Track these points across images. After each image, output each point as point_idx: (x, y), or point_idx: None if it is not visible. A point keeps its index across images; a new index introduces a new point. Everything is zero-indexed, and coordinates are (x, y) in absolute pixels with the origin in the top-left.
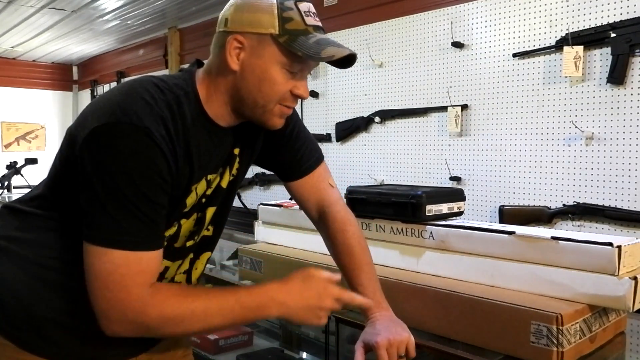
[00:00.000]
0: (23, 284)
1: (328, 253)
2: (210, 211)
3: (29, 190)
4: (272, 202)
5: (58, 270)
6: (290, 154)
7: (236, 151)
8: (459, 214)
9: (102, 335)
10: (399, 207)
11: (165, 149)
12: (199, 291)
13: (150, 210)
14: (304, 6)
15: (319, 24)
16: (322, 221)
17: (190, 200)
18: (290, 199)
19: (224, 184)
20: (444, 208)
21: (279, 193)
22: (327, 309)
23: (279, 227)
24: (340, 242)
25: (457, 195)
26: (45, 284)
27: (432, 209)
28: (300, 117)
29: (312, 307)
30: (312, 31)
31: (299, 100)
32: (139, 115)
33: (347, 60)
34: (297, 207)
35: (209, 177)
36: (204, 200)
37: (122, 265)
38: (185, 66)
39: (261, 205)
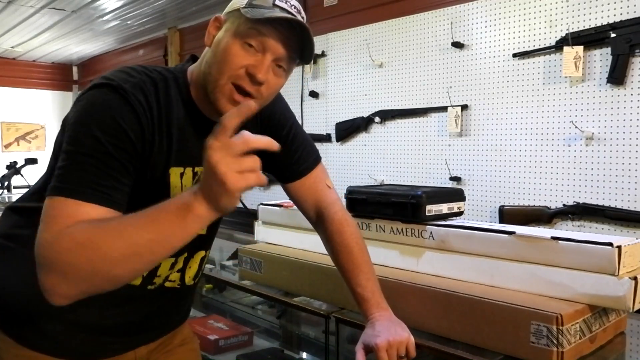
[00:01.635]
0: (21, 280)
1: (326, 253)
2: None
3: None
4: (272, 202)
5: None
6: (288, 155)
7: None
8: (459, 214)
9: (100, 329)
10: (399, 207)
11: (139, 110)
12: (116, 217)
13: (110, 165)
14: None
15: (291, 11)
16: (320, 222)
17: (176, 191)
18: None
19: None
20: (444, 208)
21: (279, 193)
22: (238, 189)
23: (279, 227)
24: (339, 242)
25: (457, 195)
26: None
27: (432, 209)
28: (300, 117)
29: (222, 197)
30: (275, 9)
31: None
32: (119, 81)
33: (297, 34)
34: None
35: (197, 169)
36: None
37: (57, 207)
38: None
39: (261, 205)
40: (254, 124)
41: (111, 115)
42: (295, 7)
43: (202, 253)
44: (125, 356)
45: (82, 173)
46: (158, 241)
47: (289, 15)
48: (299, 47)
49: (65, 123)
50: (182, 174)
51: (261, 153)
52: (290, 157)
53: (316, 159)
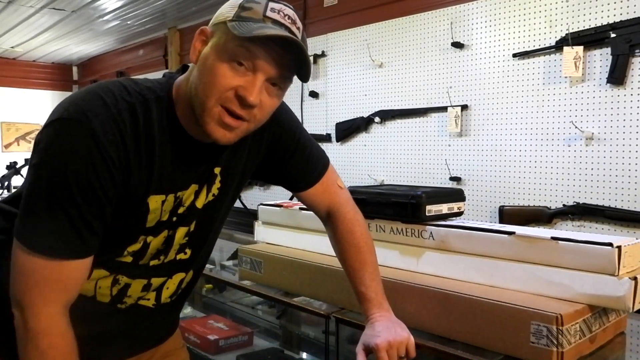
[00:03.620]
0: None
1: (327, 253)
2: (181, 231)
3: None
4: (272, 202)
5: None
6: (299, 166)
7: (217, 170)
8: (459, 214)
9: (97, 335)
10: (399, 207)
11: (112, 154)
12: None
13: (79, 216)
14: (277, 6)
15: (285, 22)
16: (330, 221)
17: (153, 216)
18: (291, 198)
19: (199, 204)
20: (444, 208)
21: (279, 193)
22: None
23: (279, 227)
24: (348, 241)
25: (457, 195)
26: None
27: (432, 209)
28: (300, 117)
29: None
30: (266, 22)
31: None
32: (89, 115)
33: (293, 52)
34: (297, 207)
35: (179, 194)
36: (174, 219)
37: (42, 268)
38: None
39: (261, 206)
40: (261, 139)
41: (77, 162)
42: (289, 18)
43: (181, 275)
44: None
45: (53, 228)
46: None
47: (282, 33)
48: (295, 65)
49: (35, 145)
50: (163, 201)
51: (269, 166)
52: (302, 168)
53: (326, 163)
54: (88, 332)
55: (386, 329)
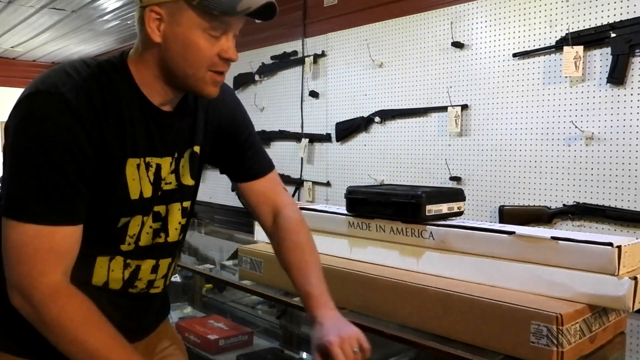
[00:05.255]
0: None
1: (327, 253)
2: (175, 207)
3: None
4: None
5: None
6: (245, 157)
7: (197, 149)
8: (459, 214)
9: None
10: (399, 207)
11: (85, 116)
12: (103, 333)
13: (63, 180)
14: None
15: None
16: (276, 221)
17: (134, 183)
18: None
19: (186, 181)
20: (444, 208)
21: None
22: None
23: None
24: (294, 240)
25: (457, 195)
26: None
27: (432, 209)
28: (300, 117)
29: None
30: None
31: (230, 64)
32: (57, 85)
33: (267, 11)
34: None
35: (152, 160)
36: (159, 193)
37: (33, 238)
38: None
39: None
40: (219, 124)
41: (52, 127)
42: None
43: (169, 259)
44: None
45: (43, 193)
46: None
47: (259, 1)
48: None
49: (6, 130)
50: (138, 165)
51: (220, 155)
52: (248, 159)
53: (271, 166)
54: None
55: (334, 325)
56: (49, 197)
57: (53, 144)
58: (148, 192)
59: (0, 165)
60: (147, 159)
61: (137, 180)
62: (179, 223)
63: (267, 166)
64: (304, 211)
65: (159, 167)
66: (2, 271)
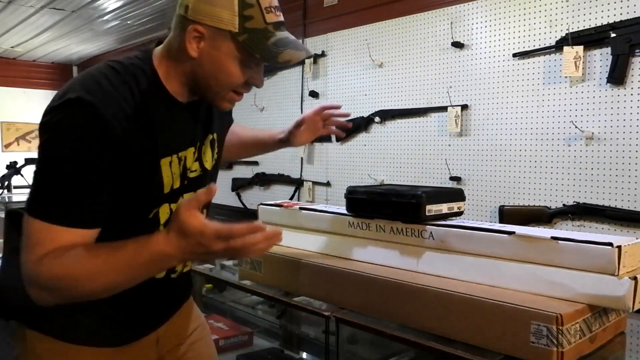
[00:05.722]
0: None
1: (327, 253)
2: None
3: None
4: (272, 202)
5: None
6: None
7: (215, 136)
8: (459, 214)
9: (132, 315)
10: (399, 207)
11: (115, 125)
12: (93, 251)
13: (87, 188)
14: (266, 1)
15: (280, 19)
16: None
17: (167, 179)
18: (291, 198)
19: (208, 166)
20: (444, 208)
21: (279, 193)
22: (215, 252)
23: (279, 227)
24: (239, 133)
25: (457, 195)
26: None
27: (432, 209)
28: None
29: (199, 254)
30: (271, 30)
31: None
32: (88, 94)
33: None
34: (297, 207)
35: (181, 154)
36: (186, 182)
37: (40, 231)
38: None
39: (261, 205)
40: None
41: (81, 137)
42: (277, 9)
43: None
44: (149, 338)
45: (61, 197)
46: (132, 280)
47: (298, 56)
48: None
49: (40, 130)
50: (170, 163)
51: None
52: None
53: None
54: (150, 304)
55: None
56: (69, 203)
57: (80, 154)
58: (177, 184)
59: None
60: (176, 155)
61: (170, 176)
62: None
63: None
64: (303, 211)
65: (185, 159)
66: None
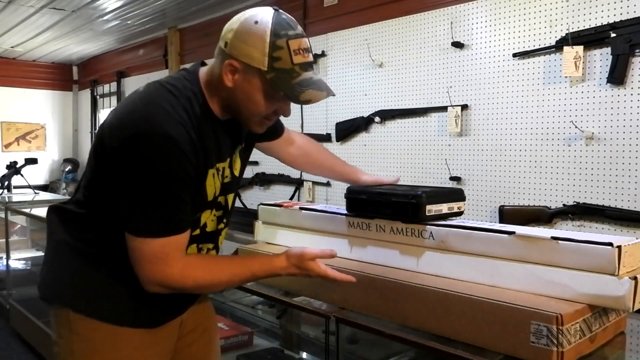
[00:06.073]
0: (99, 272)
1: None
2: (230, 197)
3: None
4: (272, 202)
5: (125, 260)
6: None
7: (243, 146)
8: (459, 214)
9: (161, 303)
10: (399, 207)
11: (187, 150)
12: (223, 264)
13: (179, 202)
14: (295, 43)
15: (308, 60)
16: (294, 150)
17: (211, 189)
18: (291, 198)
19: (237, 172)
20: (444, 208)
21: (279, 193)
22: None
23: (279, 227)
24: (309, 152)
25: (457, 195)
26: (113, 269)
27: (432, 209)
28: (300, 116)
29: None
30: (298, 70)
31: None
32: (163, 126)
33: None
34: (297, 207)
35: (219, 165)
36: (222, 188)
37: (164, 246)
38: (187, 65)
39: (261, 205)
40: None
41: (166, 164)
42: (307, 51)
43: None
44: (176, 320)
45: (163, 214)
46: (246, 282)
47: (319, 96)
48: None
49: (102, 146)
50: (214, 174)
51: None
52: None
53: (283, 128)
54: (169, 295)
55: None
56: (172, 217)
57: (172, 179)
58: (217, 191)
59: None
60: (218, 165)
61: (213, 185)
62: (231, 206)
63: (280, 129)
64: (303, 211)
65: (223, 169)
66: (105, 259)
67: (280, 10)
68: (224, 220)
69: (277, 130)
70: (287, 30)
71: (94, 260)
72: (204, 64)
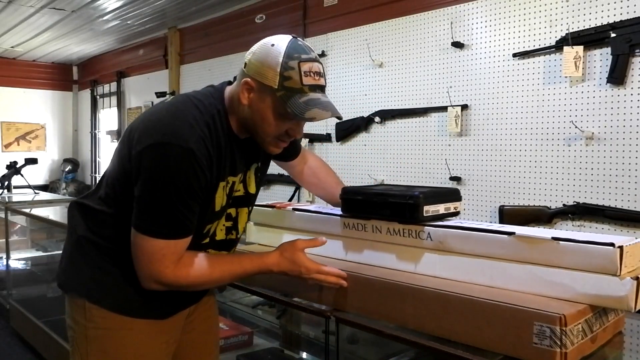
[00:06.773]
0: (114, 267)
1: (325, 255)
2: (243, 212)
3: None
4: (264, 203)
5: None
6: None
7: (258, 164)
8: (456, 214)
9: (172, 297)
10: (396, 207)
11: (204, 163)
12: (216, 262)
13: (187, 210)
14: (307, 66)
15: (319, 83)
16: (306, 171)
17: (219, 200)
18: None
19: (252, 190)
20: (441, 208)
21: (278, 193)
22: (302, 278)
23: (272, 229)
24: (320, 176)
25: (453, 195)
26: (127, 265)
27: (430, 209)
28: None
29: (296, 277)
30: (306, 90)
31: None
32: (185, 138)
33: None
34: (290, 207)
35: (230, 178)
36: (230, 201)
37: (163, 248)
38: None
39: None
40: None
41: (184, 174)
42: (318, 74)
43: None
44: (184, 311)
45: (170, 218)
46: (238, 279)
47: (324, 114)
48: None
49: (129, 150)
50: (224, 187)
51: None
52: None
53: (300, 149)
54: (178, 297)
55: None
56: (177, 222)
57: (184, 187)
58: (224, 202)
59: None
60: (228, 179)
61: (221, 196)
62: (245, 222)
63: (297, 151)
64: (296, 212)
65: (234, 183)
66: (120, 255)
67: (298, 38)
68: (233, 232)
69: (294, 153)
70: (300, 53)
71: (111, 255)
72: (230, 83)
